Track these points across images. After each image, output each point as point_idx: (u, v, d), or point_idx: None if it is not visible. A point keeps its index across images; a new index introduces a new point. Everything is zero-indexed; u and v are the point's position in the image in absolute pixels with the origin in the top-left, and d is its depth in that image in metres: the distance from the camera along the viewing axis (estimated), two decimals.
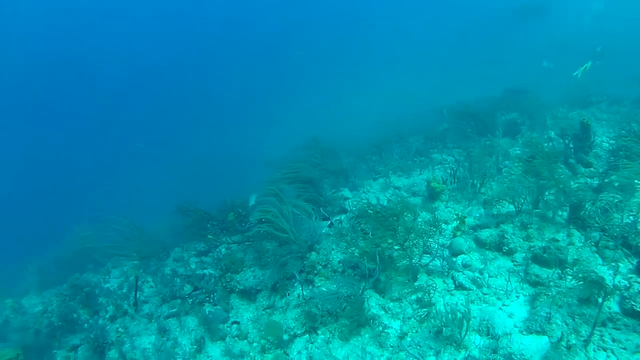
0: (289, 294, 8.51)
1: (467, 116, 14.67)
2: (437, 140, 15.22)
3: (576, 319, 6.41)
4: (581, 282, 6.58)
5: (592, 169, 10.65)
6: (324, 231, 10.05)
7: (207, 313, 8.87)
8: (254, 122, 30.50)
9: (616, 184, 9.47)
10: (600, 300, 6.28)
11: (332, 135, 19.16)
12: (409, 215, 7.94)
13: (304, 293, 8.27)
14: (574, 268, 7.38)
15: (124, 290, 10.84)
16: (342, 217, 10.72)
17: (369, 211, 7.96)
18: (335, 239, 9.43)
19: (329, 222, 10.07)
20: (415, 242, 7.90)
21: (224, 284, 9.49)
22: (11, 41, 46.18)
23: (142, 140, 27.16)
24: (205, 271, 10.41)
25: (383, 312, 7.54)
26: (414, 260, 7.99)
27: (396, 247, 8.00)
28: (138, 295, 10.37)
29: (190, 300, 9.48)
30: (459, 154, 13.80)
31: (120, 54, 51.14)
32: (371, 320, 7.23)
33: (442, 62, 30.94)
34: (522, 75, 21.17)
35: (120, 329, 9.42)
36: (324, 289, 7.85)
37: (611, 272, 7.20)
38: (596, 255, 7.65)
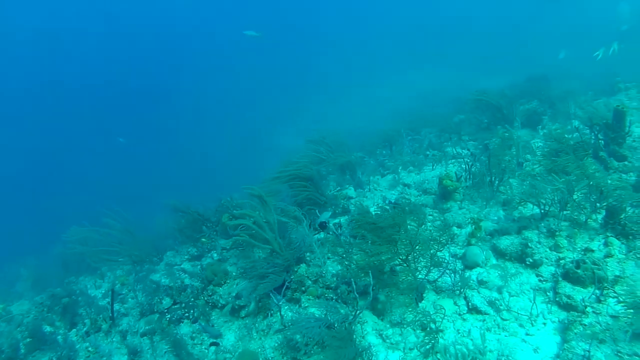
0: (271, 315, 6.92)
1: (484, 106, 12.81)
2: (452, 133, 13.42)
3: None
4: (630, 310, 4.88)
5: (626, 162, 8.80)
6: (321, 236, 8.46)
7: (180, 334, 7.38)
8: (264, 118, 28.75)
9: None
10: None
11: (346, 129, 17.61)
12: (413, 223, 6.22)
13: (289, 315, 6.66)
14: (616, 287, 5.65)
15: (106, 301, 9.38)
16: (343, 220, 9.05)
17: (365, 220, 6.23)
18: (332, 247, 7.81)
19: (325, 227, 8.44)
20: (421, 253, 6.17)
21: (205, 298, 7.99)
22: None
23: (124, 135, 25.60)
24: (188, 282, 8.90)
25: (380, 340, 5.94)
26: (420, 276, 6.34)
27: (398, 261, 6.31)
28: (117, 307, 8.95)
29: (169, 316, 7.98)
30: (474, 147, 12.02)
31: (118, 46, 49.43)
32: (364, 353, 5.56)
33: (462, 52, 28.83)
34: (543, 62, 19.14)
35: (90, 348, 7.96)
36: (312, 311, 6.20)
37: None
38: None
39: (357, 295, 5.81)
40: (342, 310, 5.89)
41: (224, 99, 38.03)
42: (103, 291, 10.43)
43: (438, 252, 6.33)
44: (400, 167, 11.70)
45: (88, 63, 47.53)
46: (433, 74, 25.57)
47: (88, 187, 24.19)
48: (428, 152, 12.46)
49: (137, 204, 16.21)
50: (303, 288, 6.92)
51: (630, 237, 6.38)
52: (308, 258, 7.58)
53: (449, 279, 6.44)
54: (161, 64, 49.16)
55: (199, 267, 9.49)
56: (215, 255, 9.83)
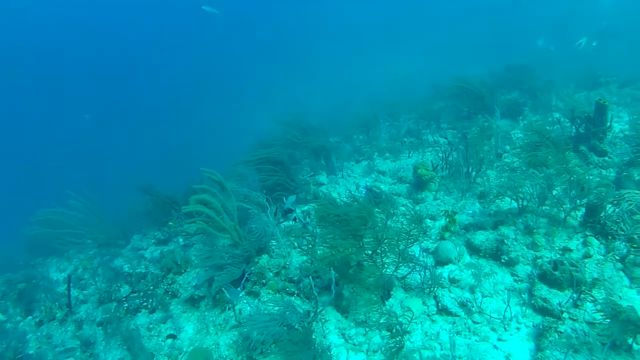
0: (229, 308, 6.36)
1: (464, 94, 12.28)
2: (431, 120, 12.87)
3: None
4: (607, 318, 4.45)
5: (607, 158, 8.39)
6: (288, 224, 7.91)
7: (136, 325, 6.82)
8: (241, 99, 27.73)
9: (637, 178, 7.26)
10: (636, 345, 4.20)
11: (325, 112, 16.98)
12: (382, 215, 5.69)
13: (247, 309, 6.12)
14: (594, 291, 5.22)
15: (66, 287, 8.76)
16: (311, 208, 8.49)
17: (328, 211, 5.62)
18: (296, 237, 7.27)
19: (293, 215, 7.88)
20: (389, 249, 5.63)
21: (165, 287, 7.43)
22: None
23: (90, 112, 24.48)
24: (150, 269, 8.32)
25: (343, 340, 5.44)
26: (388, 271, 5.83)
27: (364, 257, 5.77)
28: (76, 294, 8.36)
29: (126, 304, 7.41)
30: (453, 135, 11.53)
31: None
32: (324, 354, 5.04)
33: (445, 38, 28.20)
34: (526, 52, 18.66)
35: (41, 339, 7.35)
36: (271, 307, 5.65)
37: None
38: (622, 273, 5.48)
39: (316, 295, 5.30)
40: (300, 310, 5.35)
41: (199, 80, 36.75)
42: (66, 275, 9.79)
43: (408, 248, 5.81)
44: (376, 154, 11.18)
45: (53, 32, 45.32)
46: (416, 60, 25.03)
47: (55, 166, 23.04)
48: (405, 139, 11.92)
49: (106, 185, 15.50)
50: (263, 281, 6.38)
51: (610, 237, 5.95)
52: (273, 247, 7.04)
53: (419, 276, 5.96)
54: (134, 41, 47.27)
55: (159, 253, 8.89)
56: (181, 240, 9.26)
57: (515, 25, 25.48)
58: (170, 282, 7.54)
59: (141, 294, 7.52)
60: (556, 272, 5.37)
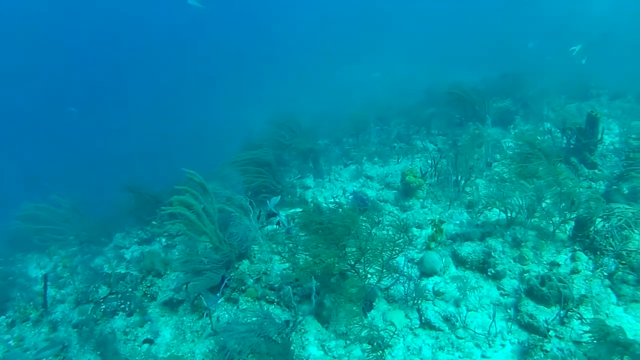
0: (207, 315, 6.12)
1: (456, 100, 12.11)
2: (422, 125, 12.70)
3: None
4: (594, 339, 4.28)
5: (596, 170, 8.26)
6: (272, 228, 7.69)
7: (112, 328, 6.57)
8: (236, 99, 27.29)
9: (625, 192, 7.13)
10: None
11: (319, 113, 16.77)
12: (366, 224, 5.48)
13: (225, 317, 5.89)
14: (581, 308, 5.06)
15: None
16: (297, 212, 8.26)
17: (311, 219, 5.39)
18: (279, 243, 7.05)
19: (276, 219, 7.65)
20: (373, 258, 5.41)
21: (144, 289, 7.18)
22: None
23: (76, 105, 23.90)
24: (129, 270, 8.06)
25: (322, 352, 5.22)
26: (371, 281, 5.63)
27: (346, 267, 5.55)
28: (53, 294, 8.08)
29: (104, 306, 7.15)
30: (443, 142, 11.36)
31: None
32: None
33: (442, 43, 28.04)
34: (521, 59, 18.52)
35: (11, 342, 7.06)
36: (249, 315, 5.42)
37: (631, 317, 4.92)
38: (609, 290, 5.32)
39: (296, 306, 5.10)
40: (278, 321, 5.13)
41: (192, 78, 36.26)
42: (47, 270, 9.49)
43: (392, 260, 5.61)
44: (364, 158, 10.99)
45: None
46: (411, 65, 24.85)
47: (40, 160, 22.47)
48: (395, 144, 11.74)
49: (91, 181, 15.16)
50: (243, 287, 6.16)
51: (598, 252, 5.79)
52: (255, 252, 6.81)
53: (403, 288, 5.76)
54: (122, 40, 46.53)
55: (139, 253, 8.64)
56: (163, 240, 9.01)
57: (512, 31, 25.39)
58: (149, 284, 7.31)
59: (119, 295, 7.27)
60: (543, 288, 5.20)
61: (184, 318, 6.45)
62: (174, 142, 20.09)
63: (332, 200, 8.93)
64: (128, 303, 7.11)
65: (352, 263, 5.30)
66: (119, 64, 41.70)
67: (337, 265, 5.24)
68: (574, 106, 12.75)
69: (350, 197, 8.47)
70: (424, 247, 6.72)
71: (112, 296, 7.36)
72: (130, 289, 7.36)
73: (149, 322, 6.64)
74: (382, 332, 4.96)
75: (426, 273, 6.12)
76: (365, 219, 5.65)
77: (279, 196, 8.59)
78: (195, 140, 19.28)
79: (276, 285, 6.12)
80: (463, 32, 29.00)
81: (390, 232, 5.82)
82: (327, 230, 5.10)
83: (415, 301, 5.59)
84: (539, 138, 8.49)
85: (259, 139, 11.03)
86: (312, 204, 8.39)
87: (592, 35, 18.36)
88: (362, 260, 5.32)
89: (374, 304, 5.69)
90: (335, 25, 41.91)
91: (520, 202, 6.44)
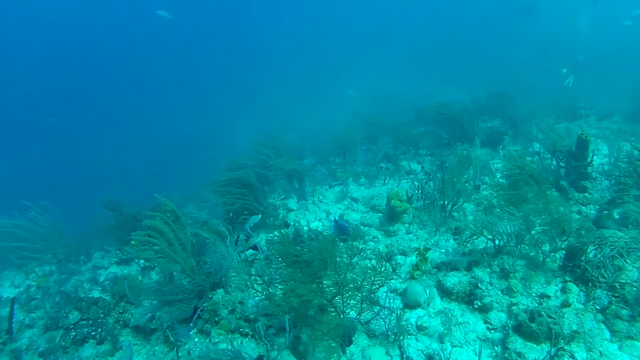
0: (180, 346, 5.70)
1: (444, 120, 11.86)
2: (410, 145, 12.41)
3: None
4: None
5: (587, 194, 7.97)
6: (251, 252, 7.31)
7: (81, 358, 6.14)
8: (226, 117, 26.89)
9: (617, 217, 6.84)
10: None
11: (308, 129, 16.52)
12: (345, 256, 5.11)
13: (196, 351, 5.48)
14: (572, 345, 4.70)
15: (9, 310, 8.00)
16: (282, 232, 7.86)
17: (286, 251, 5.01)
18: (257, 271, 6.64)
19: (253, 242, 7.26)
20: (352, 293, 5.02)
21: (116, 316, 6.76)
22: None
23: (56, 116, 23.42)
24: (102, 294, 7.63)
25: None
26: (352, 314, 5.25)
27: (324, 301, 5.16)
28: (22, 318, 7.61)
29: (73, 333, 6.70)
30: (431, 162, 11.06)
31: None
32: None
33: (433, 61, 27.98)
34: (510, 79, 18.41)
35: None
36: (222, 348, 5.01)
37: (626, 356, 4.57)
38: (602, 325, 4.97)
39: (267, 343, 4.68)
40: (249, 358, 4.73)
41: (181, 94, 35.93)
42: (20, 290, 9.02)
43: (373, 294, 5.23)
44: (350, 179, 10.65)
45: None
46: (401, 82, 24.74)
47: (19, 174, 21.92)
48: (382, 164, 11.41)
49: (73, 198, 14.72)
50: (216, 319, 5.76)
51: (590, 284, 5.44)
52: (232, 280, 6.40)
53: (384, 323, 5.37)
54: (109, 49, 46.10)
55: (112, 276, 8.22)
56: (142, 262, 8.60)
57: (501, 50, 25.44)
58: (122, 310, 6.88)
59: (90, 322, 6.83)
60: (532, 325, 4.84)
61: (156, 348, 6.04)
62: (159, 159, 19.73)
63: (316, 223, 8.60)
64: (99, 330, 6.68)
65: (330, 298, 4.91)
66: (107, 74, 41.45)
67: (313, 301, 4.85)
68: (563, 126, 12.56)
69: (332, 224, 8.10)
70: (407, 277, 6.36)
71: (84, 322, 6.93)
72: (102, 315, 6.94)
73: (120, 351, 6.22)
74: None
75: (409, 305, 5.74)
76: (345, 249, 5.28)
77: (260, 215, 8.24)
78: (181, 158, 18.94)
79: (252, 317, 5.71)
80: (453, 49, 29.00)
81: (373, 263, 5.46)
82: (304, 263, 4.72)
83: (397, 337, 5.21)
84: (528, 159, 8.22)
85: (243, 158, 10.71)
86: (292, 229, 8.01)
87: (576, 57, 18.32)
88: (341, 295, 4.94)
89: (353, 338, 5.30)
90: (326, 41, 41.99)
91: (509, 229, 6.10)
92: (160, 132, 25.61)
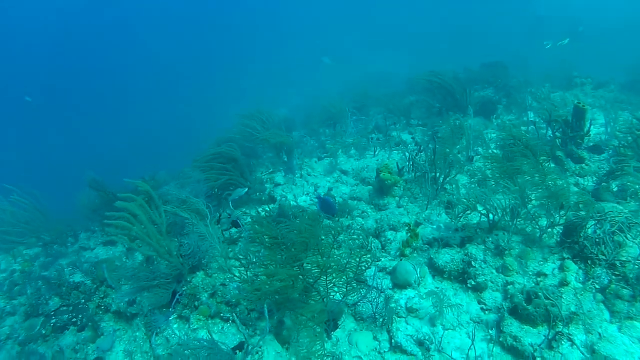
0: (158, 333, 5.36)
1: (436, 88, 11.34)
2: (401, 115, 11.93)
3: None
4: None
5: (584, 165, 7.59)
6: (235, 231, 6.92)
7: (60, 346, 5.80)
8: (218, 96, 26.16)
9: (615, 189, 6.49)
10: None
11: (300, 104, 16.09)
12: (329, 236, 4.72)
13: (175, 338, 5.13)
14: (571, 327, 4.38)
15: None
16: (266, 209, 7.46)
17: (263, 232, 4.58)
18: (241, 250, 6.28)
19: (232, 218, 6.87)
20: (336, 276, 4.63)
21: (98, 301, 6.40)
22: None
23: (32, 95, 22.78)
24: (84, 279, 7.24)
25: None
26: (337, 297, 4.89)
27: (310, 280, 4.78)
28: (3, 305, 7.24)
29: (54, 320, 6.35)
30: (423, 133, 10.62)
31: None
32: None
33: (427, 35, 27.33)
34: (504, 49, 17.93)
35: None
36: (202, 335, 4.66)
37: (626, 338, 4.26)
38: (602, 306, 4.64)
39: (246, 335, 4.32)
40: (227, 350, 4.36)
41: (174, 72, 35.18)
42: (4, 276, 8.63)
43: (359, 275, 4.86)
44: (340, 151, 10.21)
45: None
46: (395, 57, 24.22)
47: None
48: (373, 135, 10.96)
49: (62, 179, 14.25)
50: (196, 303, 5.40)
51: (589, 262, 5.09)
52: (214, 260, 6.03)
53: (371, 306, 5.02)
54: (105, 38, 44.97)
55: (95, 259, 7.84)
56: (126, 243, 8.20)
57: (495, 24, 24.94)
58: (102, 295, 6.52)
59: (71, 308, 6.48)
60: (529, 307, 4.50)
61: (137, 333, 5.71)
62: (150, 140, 19.21)
63: (304, 197, 8.21)
64: (80, 316, 6.33)
65: (312, 282, 4.53)
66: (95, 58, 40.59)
67: (296, 284, 4.47)
68: (558, 95, 12.13)
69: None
70: (398, 254, 6.00)
71: (64, 308, 6.57)
72: (83, 301, 6.58)
73: (102, 338, 5.89)
74: (345, 358, 4.24)
75: (399, 285, 5.39)
76: (330, 228, 4.88)
77: (246, 188, 7.82)
78: (172, 138, 18.44)
79: (233, 301, 5.35)
80: (448, 23, 28.43)
81: (360, 242, 5.08)
82: (283, 245, 4.32)
83: (385, 320, 4.86)
84: (523, 129, 7.82)
85: (231, 133, 10.27)
86: (278, 205, 7.59)
87: (576, 28, 17.94)
88: (325, 278, 4.56)
89: (339, 322, 4.96)
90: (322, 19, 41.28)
91: (504, 203, 5.72)
92: (152, 114, 25.03)
